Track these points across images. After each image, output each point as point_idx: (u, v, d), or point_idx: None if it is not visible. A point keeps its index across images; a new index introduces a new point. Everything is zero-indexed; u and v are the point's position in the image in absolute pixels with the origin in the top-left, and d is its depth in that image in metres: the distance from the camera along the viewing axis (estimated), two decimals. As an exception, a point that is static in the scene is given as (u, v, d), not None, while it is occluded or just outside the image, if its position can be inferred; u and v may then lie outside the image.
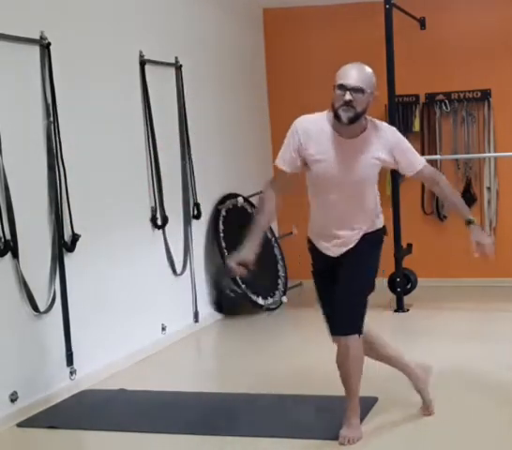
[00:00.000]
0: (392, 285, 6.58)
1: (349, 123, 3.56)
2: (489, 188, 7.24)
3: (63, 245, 4.59)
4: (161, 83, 5.79)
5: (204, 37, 6.48)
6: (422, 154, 7.23)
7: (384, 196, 7.21)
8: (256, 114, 7.42)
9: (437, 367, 4.85)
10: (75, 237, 4.65)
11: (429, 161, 7.28)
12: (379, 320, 6.23)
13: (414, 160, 3.74)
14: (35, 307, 4.36)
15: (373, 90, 3.60)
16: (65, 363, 4.61)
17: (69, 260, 4.64)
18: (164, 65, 5.83)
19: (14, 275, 4.23)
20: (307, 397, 4.43)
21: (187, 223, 6.08)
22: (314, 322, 6.30)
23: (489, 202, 7.25)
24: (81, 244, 4.68)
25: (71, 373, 4.64)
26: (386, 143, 3.66)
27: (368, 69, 3.61)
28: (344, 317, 3.73)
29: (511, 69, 7.07)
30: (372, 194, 3.78)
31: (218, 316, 6.49)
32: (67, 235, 4.63)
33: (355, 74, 3.54)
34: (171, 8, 5.97)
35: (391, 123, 6.58)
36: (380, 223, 3.85)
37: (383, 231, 3.89)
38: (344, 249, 3.74)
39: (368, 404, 4.16)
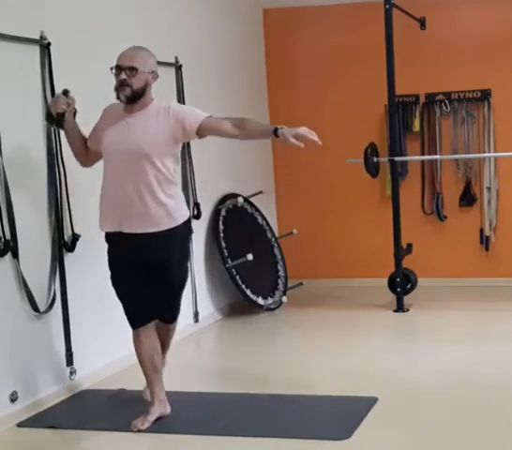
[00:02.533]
0: (392, 285, 6.58)
1: (127, 101, 3.82)
2: (489, 188, 7.23)
3: (63, 245, 4.59)
4: (161, 83, 5.78)
5: (204, 37, 6.48)
6: (422, 154, 7.27)
7: (384, 196, 7.28)
8: (256, 114, 7.40)
9: (437, 367, 4.86)
10: (75, 237, 4.65)
11: (429, 161, 7.34)
12: (379, 320, 6.25)
13: (195, 115, 3.86)
14: (35, 307, 4.36)
15: (152, 70, 3.86)
16: (65, 363, 4.61)
17: (69, 260, 4.64)
18: (164, 65, 5.82)
19: (14, 275, 4.23)
20: (307, 397, 4.43)
21: (187, 223, 6.08)
22: (314, 322, 6.30)
23: (489, 202, 7.24)
24: (81, 244, 4.68)
25: (71, 373, 4.63)
26: (167, 114, 3.85)
27: (145, 51, 3.90)
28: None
29: (511, 69, 7.07)
30: (158, 172, 3.86)
31: (219, 316, 6.49)
32: (67, 235, 4.63)
33: (129, 55, 3.84)
34: (171, 8, 5.97)
35: (391, 123, 6.63)
36: (183, 216, 3.98)
37: (186, 226, 4.02)
38: (145, 229, 3.88)
39: (368, 404, 4.17)
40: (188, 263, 4.21)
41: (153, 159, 3.83)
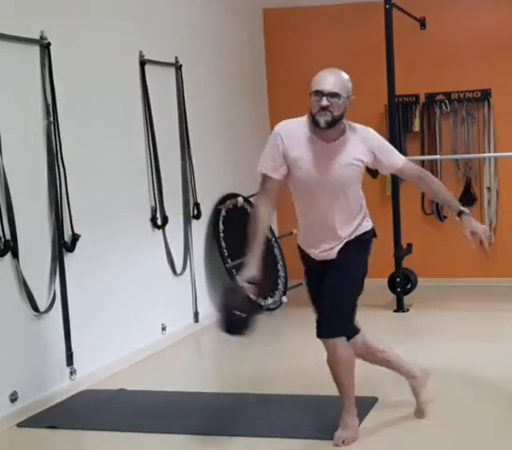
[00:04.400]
0: (392, 285, 6.58)
1: (327, 127, 3.59)
2: (489, 188, 7.24)
3: (63, 245, 4.59)
4: (161, 83, 5.79)
5: (204, 37, 6.48)
6: (422, 154, 7.27)
7: (384, 196, 7.27)
8: (256, 114, 7.42)
9: (437, 368, 4.86)
10: (75, 237, 4.65)
11: (429, 161, 7.35)
12: (379, 320, 6.25)
13: (393, 158, 3.76)
14: (35, 307, 4.36)
15: (350, 95, 3.65)
16: (65, 363, 4.61)
17: (69, 260, 4.64)
18: (164, 65, 5.83)
19: (14, 275, 4.23)
20: (306, 396, 4.43)
21: (187, 223, 6.08)
22: (314, 323, 6.29)
23: (489, 202, 7.25)
24: (81, 244, 4.68)
25: (71, 373, 4.64)
26: (365, 144, 3.68)
27: (344, 74, 3.67)
28: (330, 318, 3.75)
29: (511, 69, 7.07)
30: (356, 197, 3.76)
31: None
32: (67, 235, 4.63)
33: (331, 80, 3.58)
34: (171, 9, 5.97)
35: (391, 123, 6.63)
36: (367, 226, 3.84)
37: (371, 232, 3.88)
38: (333, 256, 3.75)
39: (368, 404, 4.17)
40: (361, 278, 3.84)
41: (356, 187, 3.73)
